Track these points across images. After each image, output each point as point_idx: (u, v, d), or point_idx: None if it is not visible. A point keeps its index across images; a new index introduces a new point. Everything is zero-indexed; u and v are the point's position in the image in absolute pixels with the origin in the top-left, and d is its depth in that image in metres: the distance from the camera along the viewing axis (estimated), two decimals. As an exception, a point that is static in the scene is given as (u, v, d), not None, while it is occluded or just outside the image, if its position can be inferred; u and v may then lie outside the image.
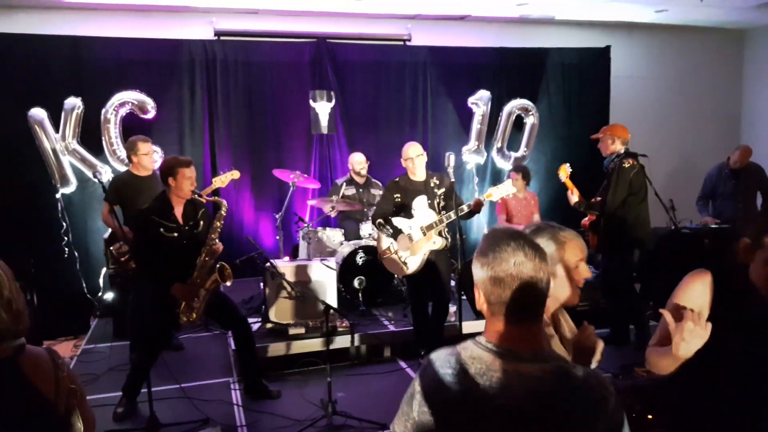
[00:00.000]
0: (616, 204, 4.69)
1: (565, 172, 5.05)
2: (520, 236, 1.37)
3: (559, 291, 1.77)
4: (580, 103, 7.81)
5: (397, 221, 4.51)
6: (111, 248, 4.73)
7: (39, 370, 1.52)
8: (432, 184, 4.53)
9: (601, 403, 1.30)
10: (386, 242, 4.56)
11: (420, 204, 4.47)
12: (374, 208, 4.86)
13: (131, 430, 3.59)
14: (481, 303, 1.39)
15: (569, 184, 5.00)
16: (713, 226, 5.89)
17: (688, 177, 7.20)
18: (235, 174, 5.26)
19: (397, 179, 4.63)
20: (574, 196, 4.95)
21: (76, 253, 6.04)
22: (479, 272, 1.37)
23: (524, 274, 1.31)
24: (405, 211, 4.50)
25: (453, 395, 1.32)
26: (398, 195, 4.53)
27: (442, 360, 1.38)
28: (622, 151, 4.78)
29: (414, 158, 4.49)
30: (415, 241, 4.42)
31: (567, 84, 7.78)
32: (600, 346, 1.79)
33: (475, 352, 1.36)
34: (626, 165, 4.68)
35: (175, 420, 3.67)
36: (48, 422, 1.53)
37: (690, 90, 8.28)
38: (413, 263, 4.46)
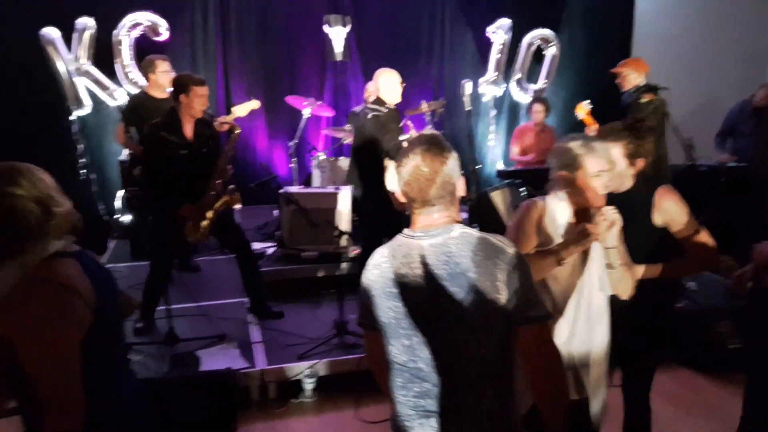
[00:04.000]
0: None
1: (583, 110, 4.88)
2: (424, 143, 1.60)
3: (580, 194, 2.10)
4: (603, 35, 7.58)
5: None
6: (133, 171, 4.75)
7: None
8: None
9: (499, 250, 1.56)
10: None
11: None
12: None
13: (151, 343, 3.72)
14: (401, 202, 1.66)
15: (589, 120, 4.86)
16: (730, 164, 5.82)
17: (710, 114, 7.02)
18: (255, 104, 5.18)
19: (394, 107, 4.26)
20: (592, 134, 4.81)
21: (93, 175, 6.10)
22: (396, 176, 1.64)
23: (421, 176, 1.57)
24: None
25: (387, 277, 1.64)
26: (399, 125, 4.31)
27: (377, 255, 1.70)
28: (642, 84, 4.65)
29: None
30: None
31: (590, 14, 7.55)
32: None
33: (399, 241, 1.66)
34: (643, 100, 4.55)
35: (193, 335, 3.79)
36: None
37: (717, 24, 7.98)
38: None
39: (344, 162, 5.80)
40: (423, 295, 1.58)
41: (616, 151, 2.33)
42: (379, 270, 1.67)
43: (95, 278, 1.61)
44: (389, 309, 1.64)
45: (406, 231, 1.67)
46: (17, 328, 1.45)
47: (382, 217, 4.27)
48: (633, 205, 2.34)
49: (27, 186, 1.53)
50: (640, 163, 2.39)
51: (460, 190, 1.65)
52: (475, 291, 1.53)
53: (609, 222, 2.02)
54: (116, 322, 1.75)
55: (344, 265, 4.58)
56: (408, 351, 1.63)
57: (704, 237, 2.39)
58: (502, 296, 1.53)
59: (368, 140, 4.15)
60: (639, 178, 2.43)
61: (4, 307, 1.46)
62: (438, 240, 1.59)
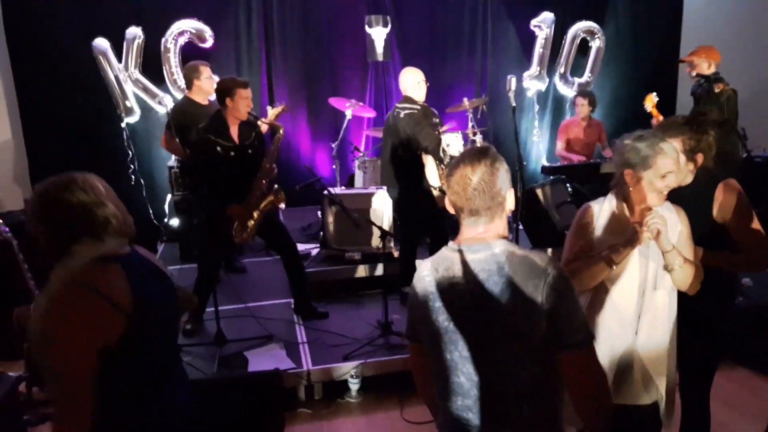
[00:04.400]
0: None
1: (651, 101, 4.75)
2: (476, 154, 1.59)
3: (642, 194, 2.04)
4: (650, 25, 7.36)
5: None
6: (185, 179, 4.88)
7: (153, 258, 1.83)
8: None
9: (540, 271, 1.51)
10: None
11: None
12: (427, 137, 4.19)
13: (200, 344, 3.81)
14: (453, 212, 1.66)
15: (656, 113, 4.74)
16: (789, 155, 5.58)
17: (765, 103, 6.76)
18: (284, 108, 5.18)
19: (425, 104, 4.32)
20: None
21: (142, 181, 6.28)
22: (445, 186, 1.65)
23: (469, 186, 1.55)
24: None
25: (429, 290, 1.64)
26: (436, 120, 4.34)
27: (421, 267, 1.71)
28: (713, 74, 4.51)
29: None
30: None
31: (636, 4, 7.33)
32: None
33: (443, 254, 1.67)
34: (717, 90, 4.42)
35: (241, 336, 3.87)
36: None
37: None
38: None
39: (387, 162, 5.80)
40: (464, 312, 1.57)
41: (676, 146, 2.23)
42: (423, 284, 1.67)
43: (141, 282, 1.65)
44: (432, 323, 1.63)
45: (450, 244, 1.66)
46: (46, 326, 1.51)
47: (423, 216, 4.26)
48: (694, 200, 2.28)
49: (78, 192, 1.61)
50: (699, 158, 2.33)
51: (510, 203, 1.62)
52: (515, 312, 1.51)
53: (654, 230, 1.96)
54: (164, 323, 1.77)
55: (388, 266, 4.60)
56: (450, 365, 1.62)
57: (761, 237, 2.31)
58: (542, 319, 1.49)
59: (405, 139, 4.14)
60: (701, 173, 2.35)
61: (44, 306, 1.53)
62: (480, 256, 1.58)
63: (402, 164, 4.23)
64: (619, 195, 2.15)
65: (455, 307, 1.58)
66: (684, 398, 2.53)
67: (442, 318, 1.60)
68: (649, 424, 2.17)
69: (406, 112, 4.16)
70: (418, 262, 1.74)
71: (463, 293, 1.57)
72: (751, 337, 3.81)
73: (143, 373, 1.66)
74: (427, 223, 4.24)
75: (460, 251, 1.61)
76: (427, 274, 1.66)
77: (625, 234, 2.04)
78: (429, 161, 4.49)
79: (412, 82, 4.22)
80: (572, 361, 1.52)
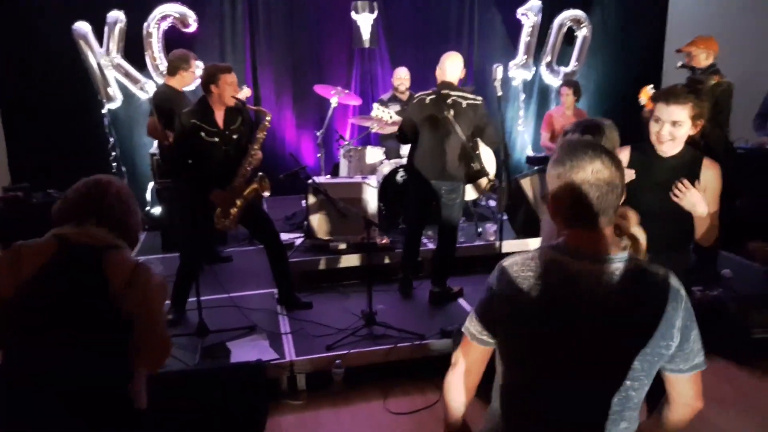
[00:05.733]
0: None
1: (646, 95, 4.72)
2: (596, 145, 1.41)
3: None
4: (636, 14, 7.36)
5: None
6: (168, 165, 4.82)
7: (117, 268, 1.85)
8: None
9: (675, 292, 1.38)
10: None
11: None
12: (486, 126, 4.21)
13: (182, 335, 3.77)
14: (555, 212, 1.45)
15: (651, 106, 4.70)
16: (771, 147, 5.61)
17: (749, 94, 6.79)
18: (247, 91, 5.18)
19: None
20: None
21: (124, 168, 6.20)
22: (557, 181, 1.41)
23: (602, 181, 1.36)
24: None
25: (538, 297, 1.39)
26: None
27: (519, 265, 1.44)
28: (711, 65, 4.53)
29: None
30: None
31: (622, -8, 7.35)
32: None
33: (554, 256, 1.42)
34: (712, 82, 4.42)
35: (223, 326, 3.84)
36: (103, 309, 1.82)
37: (759, -1, 7.67)
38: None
39: (371, 151, 5.76)
40: (577, 328, 1.37)
41: (683, 113, 2.36)
42: (522, 283, 1.41)
43: (56, 270, 1.82)
44: (525, 328, 1.41)
45: (561, 245, 1.43)
46: None
47: (456, 206, 4.25)
48: (684, 167, 2.43)
49: (87, 192, 1.96)
50: (698, 124, 2.43)
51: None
52: (643, 335, 1.36)
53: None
54: (48, 317, 1.81)
55: (373, 255, 4.58)
56: (537, 378, 1.43)
57: (716, 215, 2.43)
58: (674, 344, 1.38)
59: (463, 129, 4.05)
60: (690, 144, 2.46)
61: None
62: (609, 267, 1.37)
63: (455, 155, 4.12)
64: None
65: (567, 321, 1.37)
66: None
67: (543, 328, 1.39)
68: None
69: (469, 102, 4.07)
70: (513, 258, 1.47)
71: (584, 307, 1.36)
72: (728, 328, 3.86)
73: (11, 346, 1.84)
74: (456, 212, 4.26)
75: (581, 258, 1.39)
76: (532, 274, 1.41)
77: None
78: (487, 151, 4.47)
79: (459, 69, 4.15)
80: (691, 382, 1.46)
